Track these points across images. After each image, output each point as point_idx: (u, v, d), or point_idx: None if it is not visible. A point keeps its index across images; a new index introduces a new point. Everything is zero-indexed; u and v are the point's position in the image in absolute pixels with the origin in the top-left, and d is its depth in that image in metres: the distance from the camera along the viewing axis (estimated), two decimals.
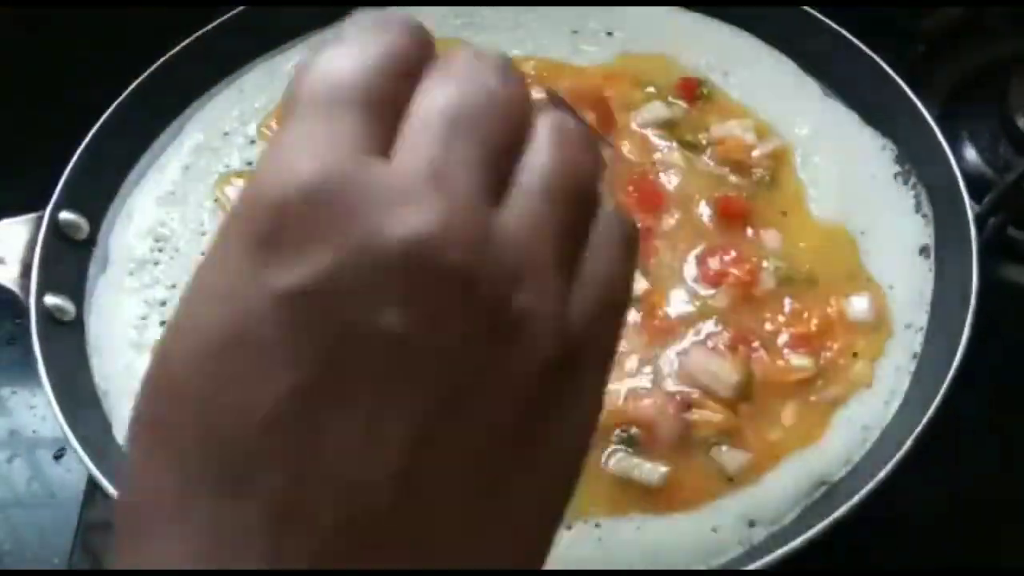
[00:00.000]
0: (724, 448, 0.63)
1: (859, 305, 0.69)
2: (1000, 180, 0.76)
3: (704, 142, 0.78)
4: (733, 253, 0.71)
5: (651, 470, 0.62)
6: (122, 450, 0.67)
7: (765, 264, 0.71)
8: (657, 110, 0.80)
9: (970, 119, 0.84)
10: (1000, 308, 0.72)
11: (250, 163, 0.83)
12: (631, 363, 0.67)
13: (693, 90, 0.81)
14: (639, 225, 0.67)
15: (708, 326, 0.68)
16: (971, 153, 0.82)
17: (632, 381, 0.66)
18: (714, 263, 0.71)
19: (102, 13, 0.93)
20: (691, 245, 0.72)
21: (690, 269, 0.71)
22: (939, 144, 0.73)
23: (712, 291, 0.70)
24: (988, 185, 0.76)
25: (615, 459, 0.63)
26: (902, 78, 0.83)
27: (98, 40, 0.93)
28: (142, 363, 0.71)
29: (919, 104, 0.75)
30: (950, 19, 0.90)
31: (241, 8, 0.88)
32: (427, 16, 0.85)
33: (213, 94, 0.87)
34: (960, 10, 0.90)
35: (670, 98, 0.81)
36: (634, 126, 0.80)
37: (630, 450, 0.63)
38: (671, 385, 0.66)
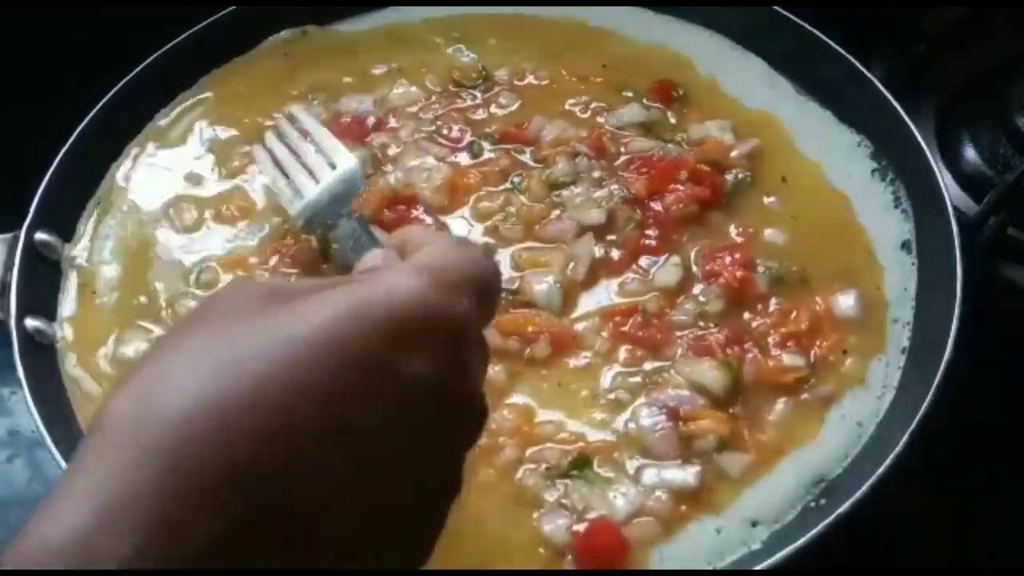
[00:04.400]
0: (723, 452, 0.72)
1: (846, 302, 0.79)
2: (1000, 180, 0.86)
3: (683, 144, 0.89)
4: (725, 255, 0.81)
5: (685, 475, 0.71)
6: None
7: (758, 267, 0.81)
8: (634, 113, 0.92)
9: (970, 119, 0.94)
10: (1000, 307, 0.83)
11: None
12: (627, 369, 0.77)
13: (668, 92, 0.93)
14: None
15: (701, 328, 0.78)
16: (971, 153, 0.92)
17: (627, 391, 0.76)
18: (705, 265, 0.81)
19: (70, 26, 1.03)
20: (683, 248, 0.83)
21: (683, 273, 0.81)
22: (914, 138, 0.83)
23: (704, 294, 0.80)
24: (988, 185, 0.87)
25: (646, 476, 0.71)
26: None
27: (69, 55, 1.03)
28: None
29: (891, 99, 0.86)
30: (950, 19, 1.01)
31: (206, 23, 0.98)
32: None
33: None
34: (960, 10, 1.01)
35: (646, 100, 0.93)
36: (610, 127, 0.91)
37: (648, 461, 0.72)
38: (667, 392, 0.75)
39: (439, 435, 0.46)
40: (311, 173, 0.78)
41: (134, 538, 0.37)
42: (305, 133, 0.83)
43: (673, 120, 0.92)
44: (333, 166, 0.78)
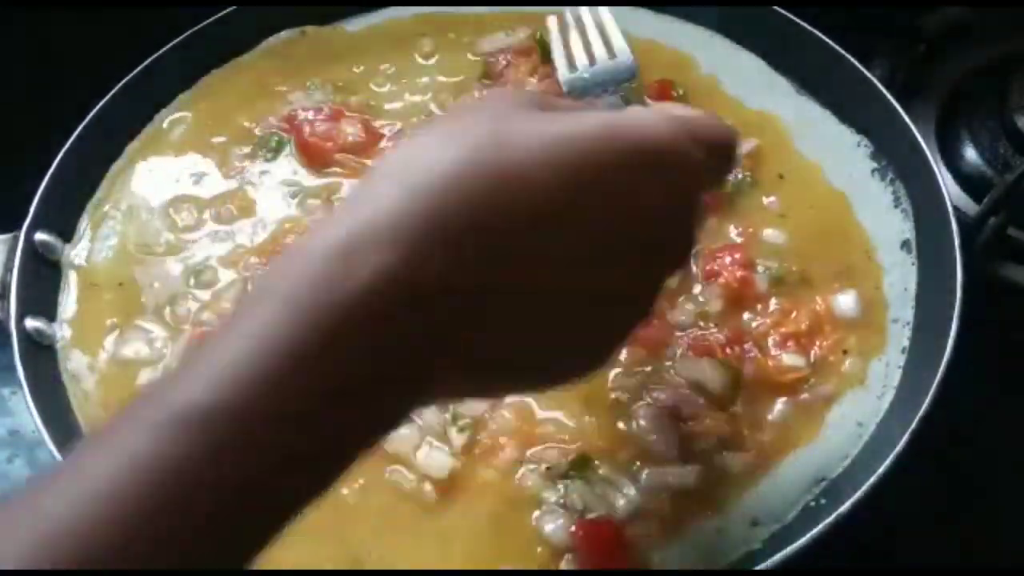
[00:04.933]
0: (723, 452, 0.73)
1: (846, 302, 0.79)
2: (1000, 180, 0.86)
3: None
4: (725, 255, 0.81)
5: (685, 475, 0.72)
6: None
7: (758, 267, 0.81)
8: None
9: (970, 119, 0.95)
10: (1000, 307, 0.83)
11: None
12: (627, 369, 0.77)
13: (668, 92, 0.93)
14: None
15: (701, 328, 0.78)
16: (971, 153, 0.93)
17: (627, 391, 0.76)
18: (705, 266, 0.81)
19: (70, 25, 1.04)
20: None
21: (683, 273, 0.80)
22: (914, 138, 0.83)
23: (704, 294, 0.80)
24: (988, 185, 0.87)
25: (646, 476, 0.72)
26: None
27: (69, 55, 1.03)
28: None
29: (891, 99, 0.86)
30: (950, 19, 1.01)
31: (206, 22, 0.99)
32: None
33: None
34: (960, 10, 1.01)
35: (646, 100, 0.93)
36: None
37: (648, 461, 0.72)
38: (667, 392, 0.75)
39: (653, 259, 0.53)
40: (591, 55, 0.89)
41: (386, 255, 0.43)
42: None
43: None
44: (612, 55, 0.88)
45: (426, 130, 0.50)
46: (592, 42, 0.87)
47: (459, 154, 0.46)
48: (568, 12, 0.93)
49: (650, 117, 0.51)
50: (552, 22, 0.92)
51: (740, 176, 0.87)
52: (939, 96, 0.96)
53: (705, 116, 0.55)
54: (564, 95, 0.87)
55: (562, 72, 0.86)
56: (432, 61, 0.99)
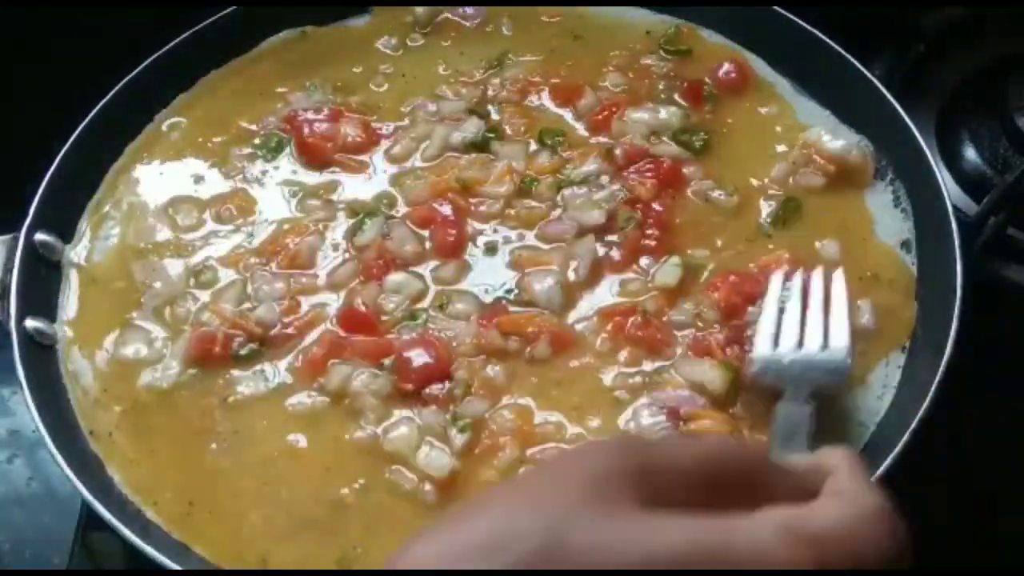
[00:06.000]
0: None
1: None
2: (1000, 180, 0.87)
3: (698, 145, 0.89)
4: None
5: None
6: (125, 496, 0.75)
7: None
8: (663, 113, 0.91)
9: (970, 119, 0.95)
10: (1000, 307, 0.83)
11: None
12: (627, 369, 0.77)
13: (699, 92, 0.93)
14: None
15: (701, 328, 0.78)
16: (971, 153, 0.93)
17: (627, 391, 0.76)
18: None
19: (70, 26, 1.04)
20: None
21: (683, 273, 0.81)
22: (914, 138, 0.84)
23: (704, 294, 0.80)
24: (988, 185, 0.87)
25: None
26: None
27: (69, 55, 1.03)
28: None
29: (891, 99, 0.86)
30: (950, 19, 1.02)
31: (206, 23, 0.98)
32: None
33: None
34: (960, 10, 1.02)
35: (676, 96, 0.93)
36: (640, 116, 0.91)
37: None
38: (667, 392, 0.75)
39: None
40: (801, 334, 0.73)
41: None
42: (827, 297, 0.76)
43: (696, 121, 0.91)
44: (825, 344, 0.72)
45: (480, 504, 0.41)
46: (809, 322, 0.72)
47: (499, 567, 0.38)
48: (798, 276, 0.77)
49: (768, 540, 0.40)
50: (775, 280, 0.77)
51: None
52: (939, 96, 0.97)
53: (848, 529, 0.42)
54: (753, 373, 0.73)
55: (760, 346, 0.72)
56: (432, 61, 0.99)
